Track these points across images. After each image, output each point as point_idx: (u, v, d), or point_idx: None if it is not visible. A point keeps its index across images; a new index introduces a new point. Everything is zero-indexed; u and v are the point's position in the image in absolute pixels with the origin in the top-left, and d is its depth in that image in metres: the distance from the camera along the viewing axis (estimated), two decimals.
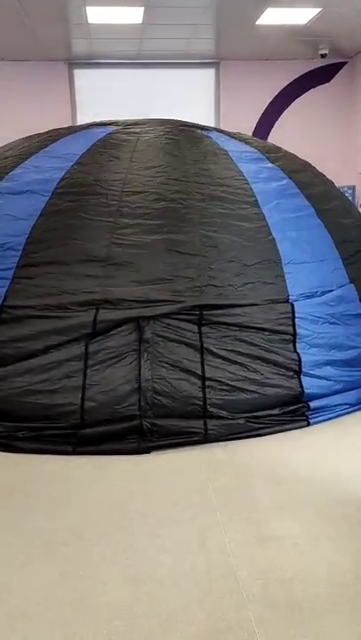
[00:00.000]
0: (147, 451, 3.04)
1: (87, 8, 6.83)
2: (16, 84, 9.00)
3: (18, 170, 3.96)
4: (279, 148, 4.78)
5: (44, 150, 4.16)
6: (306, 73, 9.64)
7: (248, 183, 3.96)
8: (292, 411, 3.27)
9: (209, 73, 9.59)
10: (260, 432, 3.20)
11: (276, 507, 2.49)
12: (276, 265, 3.64)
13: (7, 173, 3.94)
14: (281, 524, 2.37)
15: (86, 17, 7.07)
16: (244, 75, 9.45)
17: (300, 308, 3.51)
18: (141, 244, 3.50)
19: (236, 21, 7.63)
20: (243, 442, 3.16)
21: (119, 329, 3.22)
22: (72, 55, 8.85)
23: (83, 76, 9.35)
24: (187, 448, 3.06)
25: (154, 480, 2.78)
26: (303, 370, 3.40)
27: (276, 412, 3.24)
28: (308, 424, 3.30)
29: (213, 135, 4.52)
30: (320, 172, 4.80)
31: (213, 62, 9.31)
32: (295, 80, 9.58)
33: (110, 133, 4.40)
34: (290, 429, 3.25)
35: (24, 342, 3.27)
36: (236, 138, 4.75)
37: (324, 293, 3.63)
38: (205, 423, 3.10)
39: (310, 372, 3.42)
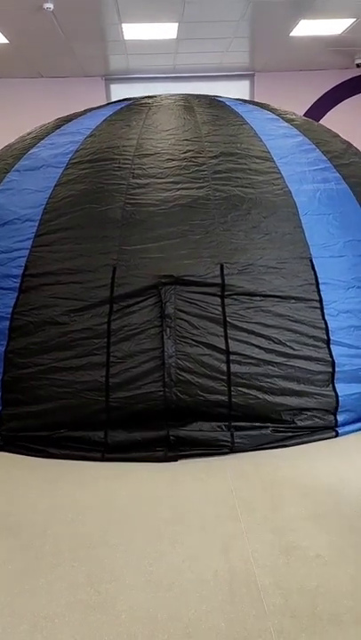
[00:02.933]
0: (173, 459, 3.01)
1: (123, 25, 7.09)
2: (54, 99, 9.05)
3: (35, 149, 4.07)
4: (299, 116, 4.63)
5: (60, 129, 4.27)
6: (341, 83, 9.71)
7: (261, 140, 3.92)
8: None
9: (244, 84, 9.73)
10: (285, 442, 3.07)
11: (301, 517, 2.48)
12: (293, 216, 3.51)
13: (25, 153, 4.04)
14: (305, 534, 2.35)
15: (122, 34, 7.34)
16: (278, 86, 9.55)
17: (323, 270, 3.33)
18: (154, 203, 3.50)
19: (270, 34, 7.73)
20: (269, 452, 3.13)
21: (140, 304, 3.17)
22: (109, 70, 9.05)
23: (119, 91, 9.47)
24: (213, 458, 2.99)
25: (179, 487, 2.79)
26: (332, 338, 3.27)
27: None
28: (337, 434, 3.20)
29: (228, 101, 4.46)
30: (338, 135, 4.62)
31: (248, 74, 9.42)
32: (330, 90, 9.80)
33: (124, 106, 4.49)
34: (318, 439, 3.17)
35: (45, 309, 3.28)
36: (253, 104, 4.80)
37: (346, 244, 3.45)
38: (230, 400, 2.99)
39: (340, 339, 3.28)
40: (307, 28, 7.43)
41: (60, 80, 9.03)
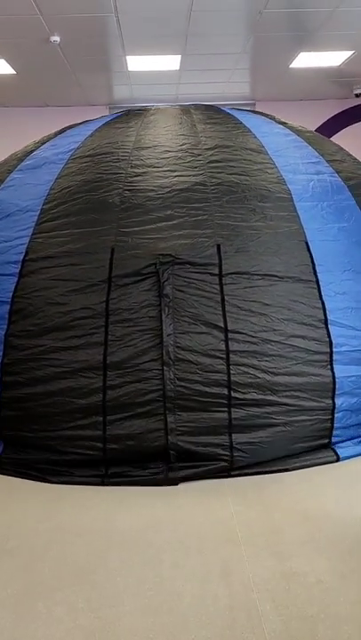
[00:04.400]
0: (174, 482, 2.88)
1: (127, 57, 6.74)
2: (60, 128, 10.08)
3: (37, 151, 4.00)
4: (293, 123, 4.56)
5: (63, 133, 4.24)
6: (341, 112, 9.21)
7: (256, 137, 3.79)
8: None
9: None
10: (288, 466, 2.99)
11: (303, 542, 2.33)
12: (288, 201, 3.39)
13: (28, 154, 4.00)
14: (306, 559, 2.21)
15: (127, 65, 7.03)
16: (279, 115, 9.75)
17: (319, 253, 3.24)
18: (152, 189, 3.35)
19: (271, 66, 7.16)
20: (270, 476, 2.96)
21: (139, 284, 3.06)
22: (113, 100, 8.83)
23: None
24: (213, 481, 2.89)
25: (179, 511, 2.64)
26: (330, 318, 3.14)
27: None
28: (338, 459, 3.07)
29: (224, 107, 4.42)
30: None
31: (249, 103, 9.07)
32: (330, 119, 9.17)
33: (124, 112, 4.42)
34: (319, 464, 3.04)
35: (45, 290, 3.14)
36: (249, 111, 4.67)
37: (340, 230, 3.37)
38: (229, 379, 2.92)
39: (337, 319, 3.16)
40: (306, 60, 6.93)
41: (65, 109, 8.74)
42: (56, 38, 5.92)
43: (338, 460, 3.08)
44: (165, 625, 1.91)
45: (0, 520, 2.63)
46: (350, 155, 4.15)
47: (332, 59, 6.94)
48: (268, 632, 1.85)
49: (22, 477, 3.03)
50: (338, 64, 7.14)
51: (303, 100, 8.67)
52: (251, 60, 6.97)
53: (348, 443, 3.17)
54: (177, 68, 7.14)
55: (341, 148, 4.24)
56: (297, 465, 3.04)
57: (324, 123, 8.94)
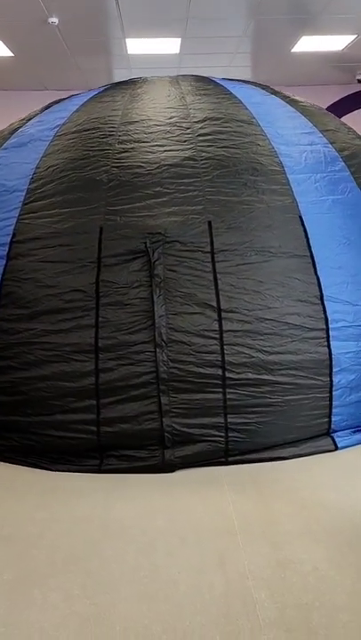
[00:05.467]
0: (170, 466, 2.87)
1: (127, 40, 6.68)
2: None
3: (23, 128, 3.91)
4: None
5: (48, 109, 4.11)
6: (342, 98, 9.01)
7: (246, 108, 3.68)
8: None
9: None
10: (286, 454, 2.96)
11: (299, 531, 2.32)
12: (280, 174, 3.29)
13: (14, 132, 3.91)
14: (302, 548, 2.19)
15: (126, 48, 6.99)
16: None
17: (313, 227, 3.15)
18: (140, 165, 3.25)
19: (272, 50, 7.12)
20: (267, 465, 2.92)
21: (129, 264, 2.98)
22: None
23: None
24: (209, 469, 2.87)
25: (175, 499, 2.62)
26: (325, 294, 3.06)
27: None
28: (336, 448, 3.04)
29: (214, 78, 4.31)
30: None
31: None
32: (331, 105, 8.87)
33: (111, 85, 4.30)
34: (317, 452, 3.00)
35: (34, 273, 3.07)
36: (241, 81, 4.48)
37: (334, 202, 3.28)
38: (223, 359, 2.87)
39: (333, 295, 3.09)
40: (308, 44, 6.86)
41: (64, 93, 9.60)
42: (54, 20, 5.82)
43: (336, 449, 3.08)
44: (161, 612, 1.91)
45: None
46: (345, 124, 4.01)
47: (335, 43, 6.83)
48: (263, 619, 1.85)
49: (18, 464, 2.98)
50: (340, 48, 7.03)
51: (305, 85, 8.55)
52: (252, 43, 6.85)
53: (347, 432, 3.14)
54: (177, 51, 7.04)
55: (336, 118, 4.11)
56: (295, 454, 2.98)
57: (325, 109, 8.82)
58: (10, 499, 2.70)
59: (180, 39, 6.56)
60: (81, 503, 2.64)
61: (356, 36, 6.53)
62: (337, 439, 3.09)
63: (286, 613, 1.90)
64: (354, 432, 3.16)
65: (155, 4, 5.48)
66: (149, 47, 6.84)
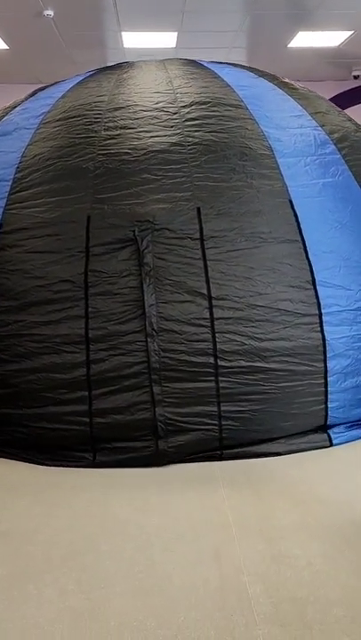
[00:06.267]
0: (165, 457, 2.87)
1: (123, 33, 6.68)
2: None
3: (7, 116, 3.84)
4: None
5: (34, 97, 4.05)
6: (339, 94, 8.89)
7: (234, 91, 3.64)
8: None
9: None
10: (281, 449, 2.94)
11: (294, 526, 2.32)
12: (269, 158, 3.25)
13: None
14: (297, 543, 2.20)
15: (122, 42, 6.97)
16: None
17: (304, 211, 3.11)
18: (127, 152, 3.20)
19: (269, 45, 7.09)
20: (262, 460, 2.90)
21: (117, 253, 2.94)
22: None
23: None
24: (204, 464, 2.85)
25: (170, 495, 2.62)
26: (317, 279, 3.00)
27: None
28: (331, 444, 3.02)
29: (202, 61, 4.24)
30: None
31: None
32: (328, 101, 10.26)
33: (97, 70, 4.22)
34: (312, 448, 2.98)
35: (22, 264, 3.03)
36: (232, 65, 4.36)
37: (325, 185, 3.23)
38: (215, 347, 2.86)
39: (325, 280, 3.03)
40: (305, 39, 6.82)
41: None
42: (50, 12, 5.77)
43: (331, 445, 3.09)
44: (155, 607, 1.91)
45: None
46: (335, 106, 3.93)
47: (331, 39, 6.79)
48: (258, 614, 1.86)
49: (11, 459, 2.95)
50: (337, 44, 7.01)
51: (301, 80, 8.48)
52: (248, 38, 6.80)
53: (342, 427, 3.14)
54: (173, 45, 6.99)
55: (326, 100, 4.03)
56: (290, 449, 2.94)
57: None
58: (5, 494, 2.69)
59: (176, 33, 6.52)
60: (77, 499, 2.63)
61: (352, 32, 6.51)
62: (332, 435, 3.08)
63: (281, 608, 1.90)
64: (349, 428, 3.16)
65: None
66: (145, 41, 6.79)
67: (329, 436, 3.06)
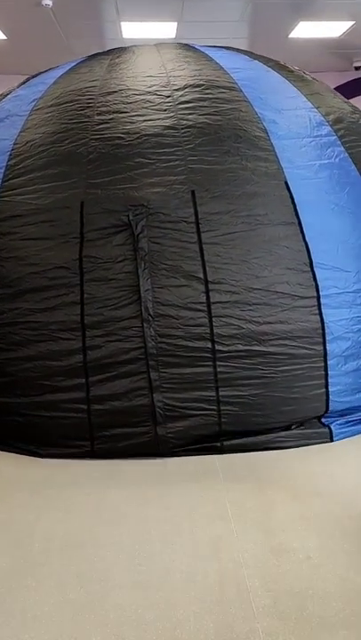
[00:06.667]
0: (164, 444, 2.83)
1: (122, 24, 6.56)
2: None
3: (0, 103, 3.78)
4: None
5: (25, 84, 3.99)
6: (340, 85, 8.65)
7: (227, 73, 3.58)
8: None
9: None
10: (281, 444, 2.89)
11: (293, 520, 2.30)
12: (264, 140, 3.18)
13: None
14: (296, 536, 2.18)
15: (121, 32, 6.85)
16: None
17: (300, 192, 3.06)
18: (120, 136, 3.15)
19: (269, 35, 6.91)
20: (262, 454, 2.87)
21: (112, 238, 2.89)
22: None
23: None
24: (204, 458, 2.82)
25: (170, 487, 2.60)
26: (315, 260, 2.94)
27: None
28: (332, 439, 2.98)
29: (197, 45, 4.21)
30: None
31: None
32: None
33: (90, 56, 4.14)
34: (312, 443, 2.94)
35: (16, 251, 2.99)
36: (227, 48, 4.36)
37: (321, 166, 3.17)
38: (212, 331, 2.83)
39: (323, 262, 2.97)
40: (306, 29, 6.74)
41: None
42: (48, 2, 5.64)
43: (332, 439, 3.08)
44: (154, 600, 1.90)
45: None
46: (332, 89, 3.85)
47: (333, 29, 6.65)
48: (257, 607, 1.85)
49: (9, 452, 2.91)
50: (338, 35, 6.89)
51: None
52: (249, 28, 6.67)
53: (342, 421, 3.13)
54: (173, 36, 6.87)
55: (322, 82, 3.93)
56: (290, 445, 2.89)
57: None
58: (3, 487, 2.69)
59: (176, 23, 6.42)
60: (75, 492, 2.61)
61: (353, 22, 6.39)
62: (333, 429, 3.07)
63: (280, 601, 1.89)
64: (350, 423, 3.16)
65: None
66: (145, 31, 6.67)
67: (330, 431, 3.03)
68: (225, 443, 2.82)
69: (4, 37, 6.64)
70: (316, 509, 2.39)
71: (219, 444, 2.81)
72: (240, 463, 2.74)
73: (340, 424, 3.04)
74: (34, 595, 1.91)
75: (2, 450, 2.94)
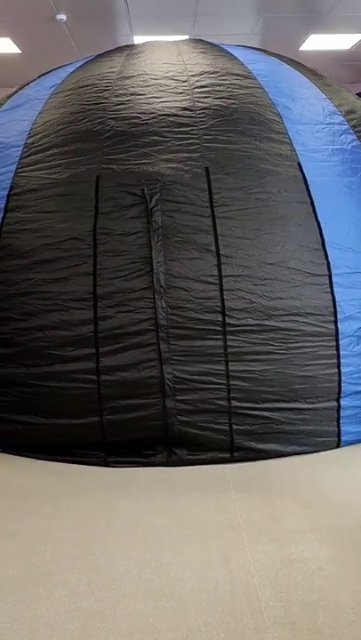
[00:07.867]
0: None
1: (135, 37, 6.31)
2: None
3: (21, 90, 3.86)
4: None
5: (45, 75, 4.06)
6: None
7: (243, 64, 3.61)
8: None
9: None
10: (287, 449, 2.86)
11: (304, 530, 2.23)
12: (278, 124, 3.16)
13: (11, 96, 3.87)
14: (307, 547, 2.10)
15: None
16: None
17: (312, 174, 3.05)
18: (136, 115, 3.12)
19: (281, 48, 6.33)
20: (271, 462, 2.81)
21: (126, 211, 2.85)
22: None
23: None
24: (214, 467, 2.77)
25: (180, 496, 2.53)
26: (326, 239, 2.88)
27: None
28: (339, 445, 2.95)
29: (212, 41, 4.15)
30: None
31: None
32: None
33: (108, 50, 4.13)
34: (321, 450, 2.91)
35: (30, 223, 2.96)
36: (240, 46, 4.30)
37: (334, 151, 3.17)
38: (223, 304, 2.81)
39: (335, 241, 2.91)
40: (316, 42, 6.50)
41: None
42: (62, 17, 5.55)
43: (339, 443, 3.04)
44: (165, 609, 1.87)
45: (1, 503, 2.65)
46: (345, 87, 3.73)
47: (343, 41, 6.47)
48: (268, 618, 1.82)
49: (24, 456, 2.77)
50: (349, 47, 6.81)
51: None
52: (260, 41, 6.43)
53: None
54: None
55: (337, 82, 3.81)
56: (298, 450, 2.74)
57: None
58: (14, 495, 2.70)
59: (188, 36, 6.47)
60: (85, 499, 2.52)
61: None
62: (342, 429, 2.93)
63: (292, 612, 1.84)
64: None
65: (163, 1, 5.39)
66: None
67: (338, 435, 2.99)
68: (235, 453, 2.73)
69: (20, 51, 6.57)
70: (327, 520, 2.32)
71: (228, 455, 2.73)
72: (250, 472, 2.55)
73: (350, 427, 2.98)
74: (45, 603, 1.88)
75: (4, 452, 2.89)
